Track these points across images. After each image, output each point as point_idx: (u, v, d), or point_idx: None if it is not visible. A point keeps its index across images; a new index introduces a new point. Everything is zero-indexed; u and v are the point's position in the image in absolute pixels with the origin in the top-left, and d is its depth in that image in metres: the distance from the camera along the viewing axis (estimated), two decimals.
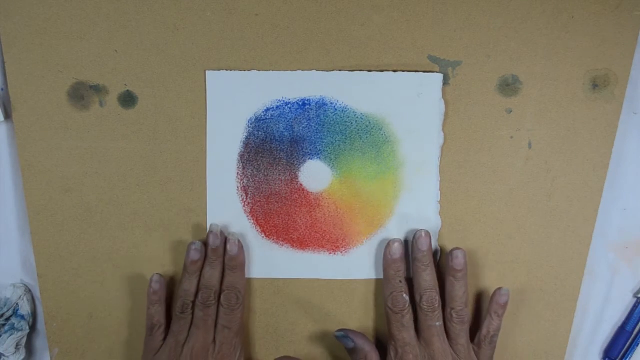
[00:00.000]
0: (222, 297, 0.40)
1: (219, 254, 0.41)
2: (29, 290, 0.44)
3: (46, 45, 0.40)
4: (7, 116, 0.42)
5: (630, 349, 0.44)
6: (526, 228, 0.42)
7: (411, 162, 0.41)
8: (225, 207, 0.42)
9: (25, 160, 0.42)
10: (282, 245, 0.42)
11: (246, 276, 0.42)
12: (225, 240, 0.41)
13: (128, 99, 0.41)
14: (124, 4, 0.40)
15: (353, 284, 0.43)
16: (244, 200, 0.41)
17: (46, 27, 0.40)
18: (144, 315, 0.43)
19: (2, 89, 0.42)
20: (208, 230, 0.41)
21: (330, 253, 0.42)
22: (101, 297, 0.43)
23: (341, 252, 0.42)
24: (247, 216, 0.42)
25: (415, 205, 0.42)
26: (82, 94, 0.41)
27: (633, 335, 0.44)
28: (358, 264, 0.42)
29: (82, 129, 0.41)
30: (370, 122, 0.41)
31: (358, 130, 0.41)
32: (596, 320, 0.45)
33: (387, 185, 0.41)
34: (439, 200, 0.42)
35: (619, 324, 0.44)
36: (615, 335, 0.44)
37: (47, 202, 0.42)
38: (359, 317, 0.44)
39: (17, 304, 0.43)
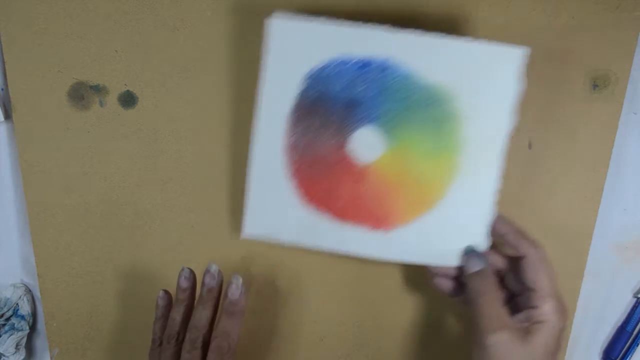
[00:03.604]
0: (212, 343, 0.37)
1: (213, 295, 0.39)
2: (29, 290, 0.44)
3: (46, 45, 0.40)
4: (7, 116, 0.42)
5: (630, 349, 0.44)
6: (526, 228, 0.42)
7: (473, 144, 0.37)
8: (270, 165, 0.38)
9: (25, 160, 0.42)
10: (322, 213, 0.38)
11: (282, 239, 0.39)
12: (221, 280, 0.39)
13: (128, 99, 0.41)
14: (124, 4, 0.40)
15: (353, 284, 0.43)
16: (290, 159, 0.38)
17: (46, 27, 0.40)
18: (143, 315, 0.43)
19: (2, 89, 0.42)
20: (206, 268, 0.39)
21: (371, 229, 0.38)
22: (101, 297, 0.43)
23: (383, 230, 0.38)
24: (291, 177, 0.38)
25: (470, 191, 0.37)
26: (82, 94, 0.41)
27: (633, 335, 0.44)
28: (398, 245, 0.38)
29: (82, 129, 0.41)
30: (434, 94, 0.37)
31: (420, 101, 0.37)
32: (596, 320, 0.45)
33: (443, 165, 0.38)
34: (497, 189, 0.37)
35: (619, 324, 0.44)
36: (615, 335, 0.44)
37: (47, 202, 0.42)
38: (359, 317, 0.44)
39: (17, 304, 0.43)
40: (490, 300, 0.34)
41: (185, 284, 0.39)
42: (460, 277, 0.38)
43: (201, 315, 0.38)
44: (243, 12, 0.40)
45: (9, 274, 0.44)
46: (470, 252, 0.37)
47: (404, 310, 0.44)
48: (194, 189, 0.42)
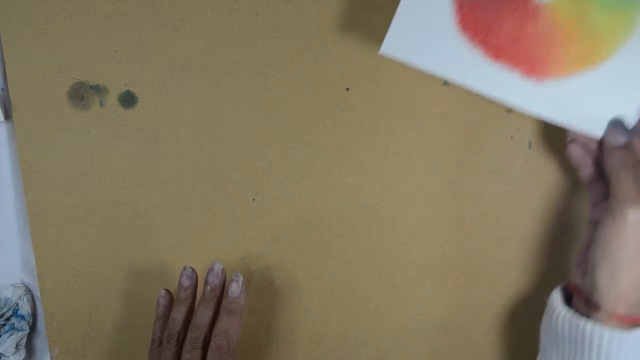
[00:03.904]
0: (212, 341, 0.37)
1: (215, 294, 0.39)
2: (29, 290, 0.44)
3: (46, 45, 0.40)
4: (7, 116, 0.42)
5: None
6: (526, 228, 0.42)
7: None
8: None
9: (25, 160, 0.42)
10: (476, 46, 0.35)
11: (422, 65, 0.35)
12: (225, 279, 0.39)
13: (128, 99, 0.41)
14: (124, 4, 0.40)
15: (353, 284, 0.43)
16: None
17: (46, 27, 0.40)
18: (144, 315, 0.43)
19: (2, 89, 0.42)
20: (210, 267, 0.39)
21: (523, 75, 0.36)
22: (101, 297, 0.43)
23: (535, 79, 0.36)
24: None
25: (638, 59, 0.35)
26: (82, 94, 0.41)
27: None
28: (545, 99, 0.36)
29: (82, 129, 0.41)
30: None
31: None
32: None
33: (621, 22, 0.35)
34: None
35: None
36: None
37: (47, 202, 0.42)
38: (359, 317, 0.44)
39: (17, 304, 0.43)
40: (631, 174, 0.33)
41: (186, 282, 0.39)
42: (597, 150, 0.36)
43: (203, 315, 0.38)
44: (244, 12, 0.40)
45: (9, 274, 0.44)
46: (617, 124, 0.34)
47: (404, 310, 0.44)
48: (194, 189, 0.42)
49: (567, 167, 0.42)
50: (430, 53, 0.35)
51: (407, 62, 0.35)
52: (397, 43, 0.35)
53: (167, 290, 0.40)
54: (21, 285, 0.44)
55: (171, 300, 0.40)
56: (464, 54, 0.35)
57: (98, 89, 0.41)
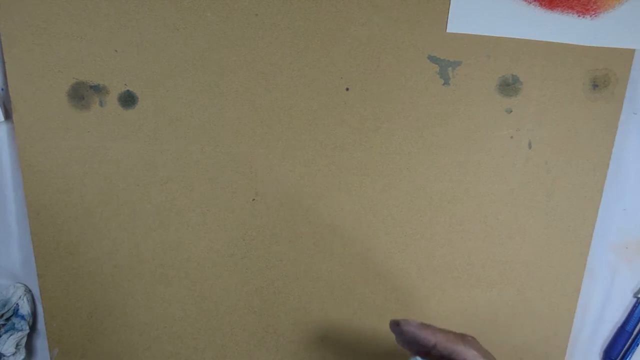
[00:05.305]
0: None
1: None
2: (29, 290, 0.44)
3: (46, 45, 0.40)
4: (7, 116, 0.42)
5: (630, 349, 0.44)
6: (526, 228, 0.42)
7: None
8: None
9: (25, 160, 0.42)
10: (530, 3, 0.40)
11: (489, 33, 0.40)
12: None
13: (128, 99, 0.41)
14: (124, 4, 0.40)
15: (353, 284, 0.43)
16: None
17: (46, 27, 0.40)
18: (143, 315, 0.43)
19: (2, 89, 0.42)
20: None
21: (579, 15, 0.40)
22: (101, 297, 0.43)
23: (590, 16, 0.40)
24: None
25: None
26: (82, 94, 0.41)
27: (633, 335, 0.44)
28: (607, 30, 0.40)
29: (82, 129, 0.41)
30: None
31: None
32: (596, 320, 0.45)
33: None
34: None
35: (619, 324, 0.44)
36: (615, 335, 0.44)
37: (47, 202, 0.42)
38: (359, 317, 0.44)
39: (17, 304, 0.43)
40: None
41: None
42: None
43: None
44: (244, 12, 0.40)
45: (9, 274, 0.44)
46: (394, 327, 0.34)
47: (404, 310, 0.44)
48: (194, 189, 0.42)
49: (567, 167, 0.42)
50: (492, 19, 0.39)
51: (473, 33, 0.39)
52: (459, 20, 0.40)
53: None
54: (21, 285, 0.44)
55: None
56: (523, 11, 0.39)
57: (98, 89, 0.41)
